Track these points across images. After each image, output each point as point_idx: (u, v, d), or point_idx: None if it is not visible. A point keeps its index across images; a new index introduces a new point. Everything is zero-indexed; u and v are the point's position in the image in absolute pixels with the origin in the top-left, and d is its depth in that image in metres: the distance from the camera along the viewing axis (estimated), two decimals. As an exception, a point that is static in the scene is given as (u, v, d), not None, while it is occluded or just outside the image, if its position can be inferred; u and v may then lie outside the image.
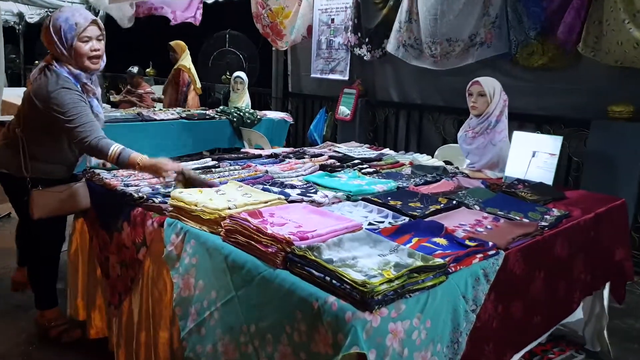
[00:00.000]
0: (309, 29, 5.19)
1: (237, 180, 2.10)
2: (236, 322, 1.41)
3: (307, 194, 1.93)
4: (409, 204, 1.96)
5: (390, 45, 4.25)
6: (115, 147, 1.98)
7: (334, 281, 1.20)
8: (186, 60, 4.78)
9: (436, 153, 3.65)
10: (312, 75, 5.31)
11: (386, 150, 3.18)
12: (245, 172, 2.31)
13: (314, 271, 1.25)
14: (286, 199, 1.82)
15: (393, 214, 1.82)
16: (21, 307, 2.69)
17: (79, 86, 2.08)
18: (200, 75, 5.18)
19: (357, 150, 3.13)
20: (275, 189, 1.94)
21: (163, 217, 1.77)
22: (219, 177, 2.19)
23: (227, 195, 1.83)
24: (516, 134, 2.56)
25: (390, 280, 1.17)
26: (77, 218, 2.33)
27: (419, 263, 1.29)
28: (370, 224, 1.72)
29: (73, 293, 2.41)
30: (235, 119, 4.35)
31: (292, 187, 2.06)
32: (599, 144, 3.25)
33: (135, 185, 2.07)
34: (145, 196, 1.88)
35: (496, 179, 2.57)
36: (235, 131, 4.39)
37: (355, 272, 1.23)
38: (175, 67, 4.75)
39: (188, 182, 1.96)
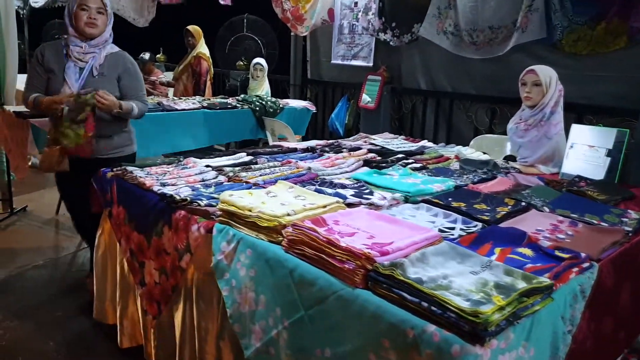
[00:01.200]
0: (330, 12, 4.98)
1: (281, 179, 1.94)
2: (308, 344, 1.26)
3: (363, 196, 1.77)
4: (474, 206, 1.80)
5: (426, 31, 4.04)
6: (33, 95, 2.37)
7: (433, 307, 1.04)
8: (204, 47, 4.59)
9: (471, 144, 3.48)
10: (332, 62, 5.10)
11: (425, 143, 3.01)
12: (286, 169, 2.15)
13: (405, 295, 1.09)
14: (344, 202, 1.66)
15: (462, 219, 1.65)
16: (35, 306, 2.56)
17: (65, 50, 2.39)
18: (215, 61, 4.99)
19: (394, 142, 2.95)
20: (329, 190, 1.78)
21: (211, 223, 1.61)
22: (261, 176, 2.03)
23: (280, 198, 1.67)
24: (575, 127, 2.38)
25: (501, 308, 1.02)
26: (105, 218, 2.17)
27: (522, 283, 1.14)
28: (440, 230, 1.55)
29: (100, 296, 2.27)
30: (257, 108, 4.17)
31: (343, 186, 1.90)
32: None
33: (173, 185, 1.90)
34: (188, 199, 1.72)
35: (551, 174, 2.41)
36: (257, 121, 4.21)
37: (455, 296, 1.07)
38: (194, 54, 4.56)
39: (80, 105, 2.22)
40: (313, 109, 4.70)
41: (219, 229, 1.57)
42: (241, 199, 1.59)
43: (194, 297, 1.71)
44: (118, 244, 2.08)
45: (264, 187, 1.88)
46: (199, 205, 1.68)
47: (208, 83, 4.69)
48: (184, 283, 1.75)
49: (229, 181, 2.00)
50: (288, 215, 1.47)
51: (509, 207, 1.80)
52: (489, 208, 1.79)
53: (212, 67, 4.69)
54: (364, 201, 1.69)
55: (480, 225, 1.61)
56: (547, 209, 1.82)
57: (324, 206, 1.57)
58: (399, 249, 1.25)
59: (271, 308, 1.38)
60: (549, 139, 2.43)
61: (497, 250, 1.42)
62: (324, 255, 1.27)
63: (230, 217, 1.56)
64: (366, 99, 4.64)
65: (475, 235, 1.48)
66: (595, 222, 1.71)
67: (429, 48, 4.21)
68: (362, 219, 1.49)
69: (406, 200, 1.84)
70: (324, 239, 1.28)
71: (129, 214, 2.00)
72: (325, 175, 2.09)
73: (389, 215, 1.56)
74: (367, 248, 1.24)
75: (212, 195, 1.76)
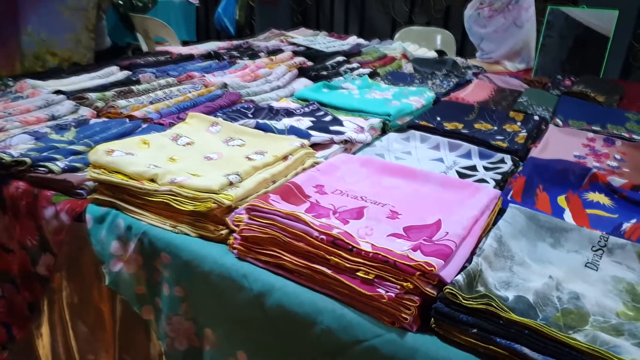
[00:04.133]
0: None
1: (189, 107, 1.23)
2: None
3: (330, 128, 1.14)
4: (475, 126, 1.28)
5: None
6: None
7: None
8: None
9: (395, 37, 2.93)
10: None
11: (355, 38, 2.38)
12: (190, 89, 1.41)
13: (526, 351, 0.54)
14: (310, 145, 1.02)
15: (478, 150, 1.12)
16: None
17: None
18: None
19: (318, 40, 2.27)
20: (277, 124, 1.12)
21: (78, 203, 0.90)
22: (152, 104, 1.29)
23: (200, 146, 0.98)
24: (552, 8, 1.90)
25: None
26: None
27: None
28: (460, 174, 1.01)
29: None
30: (121, 2, 3.14)
31: (288, 113, 1.24)
32: None
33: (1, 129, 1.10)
34: (28, 160, 0.96)
35: (522, 72, 1.96)
36: (122, 20, 3.20)
37: (622, 340, 0.54)
38: None
39: None
40: (195, 1, 3.74)
41: (96, 216, 0.87)
42: (131, 158, 0.88)
43: (67, 319, 1.03)
44: None
45: (161, 124, 1.17)
46: (52, 172, 0.94)
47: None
48: (49, 298, 1.05)
49: (99, 116, 1.24)
50: (231, 185, 0.81)
51: (519, 123, 1.31)
52: (496, 128, 1.28)
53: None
54: (336, 137, 1.07)
55: (504, 157, 1.10)
56: (559, 122, 1.35)
57: (285, 157, 0.92)
58: (459, 238, 0.68)
59: (227, 350, 0.77)
60: (519, 28, 1.94)
61: (562, 201, 0.92)
62: (325, 270, 0.66)
63: (114, 194, 0.86)
64: (260, -12, 3.78)
65: (523, 180, 0.96)
66: (625, 134, 1.29)
67: None
68: (356, 175, 0.88)
69: (385, 127, 1.25)
70: (327, 238, 0.66)
71: None
72: (252, 96, 1.40)
73: (393, 163, 0.97)
74: (408, 244, 0.66)
75: (73, 148, 1.01)
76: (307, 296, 0.67)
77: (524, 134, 1.23)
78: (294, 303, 0.67)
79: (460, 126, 1.27)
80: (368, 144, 1.14)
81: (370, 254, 0.63)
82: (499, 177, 1.00)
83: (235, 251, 0.74)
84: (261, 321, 0.71)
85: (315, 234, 0.67)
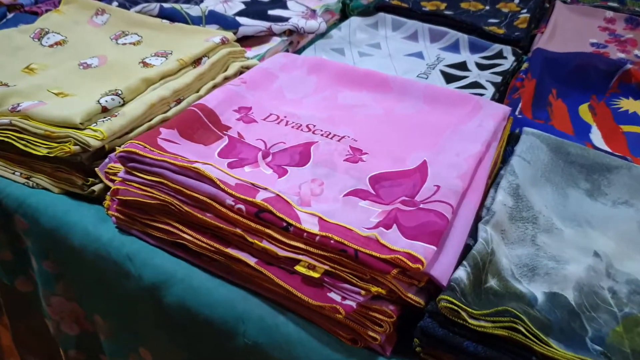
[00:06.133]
0: None
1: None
2: None
3: (267, 13, 0.82)
4: (462, 6, 0.99)
5: None
6: None
7: None
8: None
9: None
10: None
11: None
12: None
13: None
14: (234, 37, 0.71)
15: (467, 39, 0.84)
16: None
17: None
18: None
19: None
20: (192, 11, 0.79)
21: None
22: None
23: (75, 47, 0.67)
24: None
25: None
26: None
27: None
28: (445, 75, 0.75)
29: None
30: None
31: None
32: None
33: None
34: None
35: None
36: None
37: None
38: None
39: None
40: None
41: None
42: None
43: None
44: None
45: (35, 13, 0.83)
46: None
47: None
48: None
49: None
50: (105, 112, 0.52)
51: (517, 1, 1.01)
52: (488, 8, 0.98)
53: None
54: (276, 26, 0.76)
55: (503, 49, 0.82)
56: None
57: (197, 61, 0.62)
58: (456, 196, 0.43)
59: (127, 344, 0.55)
60: None
61: (585, 113, 0.68)
62: (246, 258, 0.41)
63: None
64: None
65: (532, 83, 0.70)
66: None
67: None
68: (301, 88, 0.60)
69: (345, 9, 0.94)
70: (237, 206, 0.41)
71: None
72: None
73: (355, 67, 0.68)
74: (377, 211, 0.41)
75: None
76: (223, 293, 0.43)
77: (525, 14, 0.94)
78: (203, 303, 0.43)
79: (442, 6, 0.97)
80: (322, 35, 0.84)
81: (317, 238, 0.38)
82: (497, 78, 0.74)
83: (113, 218, 0.48)
84: (160, 320, 0.48)
85: (229, 201, 0.41)
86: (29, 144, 0.51)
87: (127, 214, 0.47)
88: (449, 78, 0.75)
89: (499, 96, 0.71)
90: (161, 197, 0.43)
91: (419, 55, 0.82)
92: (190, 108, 0.52)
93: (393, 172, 0.46)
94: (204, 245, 0.43)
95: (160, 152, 0.45)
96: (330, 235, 0.38)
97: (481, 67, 0.78)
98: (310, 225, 0.39)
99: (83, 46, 0.67)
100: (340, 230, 0.38)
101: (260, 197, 0.41)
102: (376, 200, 0.43)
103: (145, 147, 0.45)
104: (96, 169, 0.50)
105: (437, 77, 0.75)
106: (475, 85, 0.73)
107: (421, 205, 0.42)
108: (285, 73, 0.62)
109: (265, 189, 0.42)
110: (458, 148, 0.49)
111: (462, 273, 0.37)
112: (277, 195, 0.42)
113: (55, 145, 0.50)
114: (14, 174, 0.54)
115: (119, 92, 0.54)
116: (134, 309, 0.49)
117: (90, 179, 0.51)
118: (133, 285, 0.47)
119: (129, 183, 0.45)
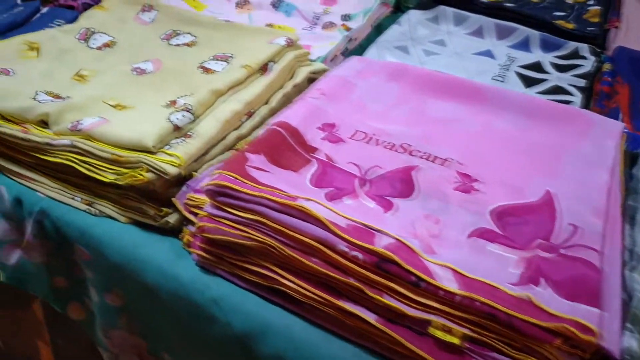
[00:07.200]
0: None
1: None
2: None
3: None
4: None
5: None
6: None
7: None
8: None
9: None
10: None
11: None
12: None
13: None
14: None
15: (540, 37, 0.77)
16: None
17: None
18: None
19: None
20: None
21: None
22: None
23: (125, 49, 0.61)
24: None
25: None
26: None
27: None
28: (524, 79, 0.68)
29: None
30: None
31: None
32: None
33: None
34: None
35: None
36: None
37: None
38: None
39: None
40: None
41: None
42: (5, 79, 0.51)
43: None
44: None
45: (71, 7, 0.76)
46: None
47: None
48: None
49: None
50: (177, 131, 0.46)
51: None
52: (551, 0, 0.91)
53: None
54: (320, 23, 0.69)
55: (578, 47, 0.76)
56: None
57: (264, 67, 0.56)
58: (598, 237, 0.38)
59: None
60: None
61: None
62: (365, 315, 0.36)
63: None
64: None
65: (626, 89, 0.64)
66: None
67: None
68: (384, 98, 0.54)
69: (398, 0, 0.87)
70: (353, 253, 0.35)
71: None
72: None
73: (438, 73, 0.61)
74: (514, 259, 0.36)
75: None
76: (330, 349, 0.38)
77: (594, 7, 0.87)
78: (306, 358, 0.38)
79: (501, -3, 0.90)
80: (377, 30, 0.78)
81: (457, 298, 0.33)
82: (581, 82, 0.68)
83: (194, 255, 0.43)
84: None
85: (342, 246, 0.35)
86: (93, 168, 0.45)
87: (213, 253, 0.41)
88: (528, 81, 0.69)
89: (585, 102, 0.65)
90: (260, 239, 0.38)
91: (488, 54, 0.76)
92: (272, 127, 0.46)
93: (515, 205, 0.41)
94: (310, 295, 0.37)
95: (255, 186, 0.39)
96: (474, 296, 0.32)
97: (559, 68, 0.72)
98: (446, 281, 0.33)
99: (133, 48, 0.61)
100: (484, 288, 0.33)
101: (380, 244, 0.35)
102: (507, 244, 0.37)
103: (237, 179, 0.39)
104: (173, 199, 0.44)
105: (515, 81, 0.69)
106: (558, 90, 0.67)
107: (561, 251, 0.36)
108: (364, 81, 0.56)
109: (381, 231, 0.37)
110: (582, 176, 0.43)
111: (632, 342, 0.31)
112: (397, 240, 0.36)
113: (125, 171, 0.44)
114: (73, 199, 0.49)
115: (189, 107, 0.48)
116: (219, 352, 0.44)
117: (164, 209, 0.45)
118: (219, 332, 0.42)
119: (218, 219, 0.40)
